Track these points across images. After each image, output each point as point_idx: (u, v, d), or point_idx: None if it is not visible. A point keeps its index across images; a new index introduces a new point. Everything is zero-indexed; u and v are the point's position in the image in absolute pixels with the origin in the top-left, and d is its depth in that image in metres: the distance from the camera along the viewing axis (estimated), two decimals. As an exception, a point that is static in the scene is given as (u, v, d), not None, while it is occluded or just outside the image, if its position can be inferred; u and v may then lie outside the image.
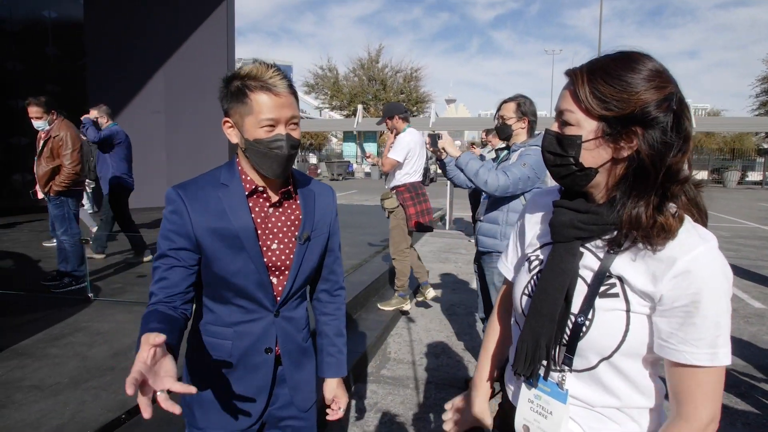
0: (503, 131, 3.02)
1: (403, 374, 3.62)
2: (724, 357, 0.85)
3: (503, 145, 3.14)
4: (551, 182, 3.32)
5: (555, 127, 0.95)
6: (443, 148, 2.85)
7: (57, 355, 3.11)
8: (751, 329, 4.57)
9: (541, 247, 1.06)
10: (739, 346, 4.17)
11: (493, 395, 1.23)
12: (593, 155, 0.90)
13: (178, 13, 10.54)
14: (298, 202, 1.33)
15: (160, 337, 0.93)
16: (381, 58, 37.72)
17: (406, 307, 4.86)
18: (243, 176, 1.26)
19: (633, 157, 0.87)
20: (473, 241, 3.41)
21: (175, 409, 0.88)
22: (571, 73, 0.92)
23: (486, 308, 3.25)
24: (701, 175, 26.68)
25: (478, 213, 3.22)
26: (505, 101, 3.03)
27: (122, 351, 3.20)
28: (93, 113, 5.70)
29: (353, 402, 3.21)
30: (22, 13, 9.80)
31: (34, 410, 2.45)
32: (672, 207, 0.88)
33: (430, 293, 4.87)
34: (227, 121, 1.22)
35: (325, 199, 1.39)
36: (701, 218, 0.92)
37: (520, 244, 1.17)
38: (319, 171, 29.47)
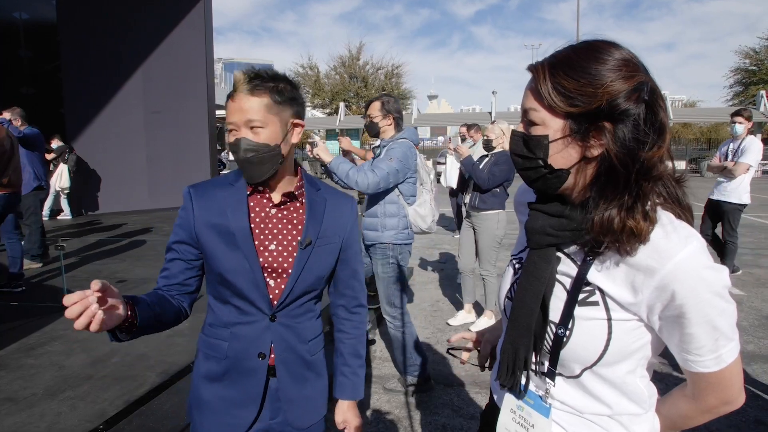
0: (371, 129, 3.22)
1: (388, 373, 3.60)
2: (729, 355, 0.82)
3: (377, 143, 3.32)
4: (423, 172, 3.31)
5: (521, 128, 0.89)
6: (317, 155, 2.90)
7: (32, 366, 3.03)
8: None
9: (523, 250, 1.01)
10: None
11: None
12: (563, 155, 0.83)
13: (154, 12, 10.35)
14: (305, 206, 1.31)
15: (96, 284, 0.92)
16: (362, 55, 37.63)
17: None
18: None
19: (604, 155, 0.80)
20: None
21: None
22: (533, 69, 0.85)
23: (370, 297, 3.33)
24: (679, 165, 27.22)
25: (363, 208, 3.33)
26: (371, 101, 3.24)
27: (101, 359, 3.13)
28: (6, 114, 5.57)
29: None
30: (-9, 15, 9.55)
31: (8, 424, 2.37)
32: (648, 205, 0.81)
33: None
34: None
35: (339, 208, 1.36)
36: (684, 215, 0.85)
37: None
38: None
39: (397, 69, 37.59)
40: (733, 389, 0.86)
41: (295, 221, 1.29)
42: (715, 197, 5.33)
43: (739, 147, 5.15)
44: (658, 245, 0.79)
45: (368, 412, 3.06)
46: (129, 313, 1.04)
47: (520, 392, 0.96)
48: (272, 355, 1.28)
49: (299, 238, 1.28)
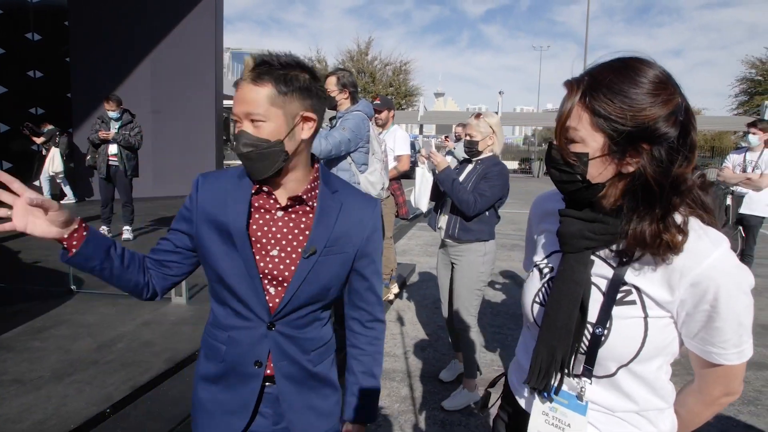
0: (329, 102, 3.35)
1: (389, 367, 3.64)
2: (749, 351, 0.90)
3: (333, 115, 3.47)
4: (374, 142, 3.35)
5: (560, 143, 0.92)
6: None
7: (39, 349, 3.06)
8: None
9: (549, 256, 1.06)
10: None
11: (486, 403, 1.21)
12: (599, 171, 0.89)
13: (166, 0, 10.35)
14: (313, 211, 1.18)
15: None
16: (371, 50, 37.44)
17: (391, 296, 4.95)
18: None
19: (639, 172, 0.86)
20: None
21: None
22: (570, 85, 0.89)
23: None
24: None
25: None
26: (327, 75, 3.36)
27: (106, 344, 3.17)
28: None
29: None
30: (2, -3, 9.55)
31: (15, 405, 2.41)
32: (678, 217, 0.87)
33: (395, 289, 5.07)
34: None
35: (357, 214, 1.22)
36: (710, 220, 0.91)
37: (530, 250, 1.18)
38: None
39: (405, 65, 37.45)
40: (737, 381, 0.94)
41: (302, 226, 1.18)
42: (741, 210, 5.08)
43: (759, 158, 4.98)
44: (692, 247, 0.86)
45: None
46: (79, 228, 1.07)
47: (550, 395, 0.98)
48: (270, 364, 1.20)
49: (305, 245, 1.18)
